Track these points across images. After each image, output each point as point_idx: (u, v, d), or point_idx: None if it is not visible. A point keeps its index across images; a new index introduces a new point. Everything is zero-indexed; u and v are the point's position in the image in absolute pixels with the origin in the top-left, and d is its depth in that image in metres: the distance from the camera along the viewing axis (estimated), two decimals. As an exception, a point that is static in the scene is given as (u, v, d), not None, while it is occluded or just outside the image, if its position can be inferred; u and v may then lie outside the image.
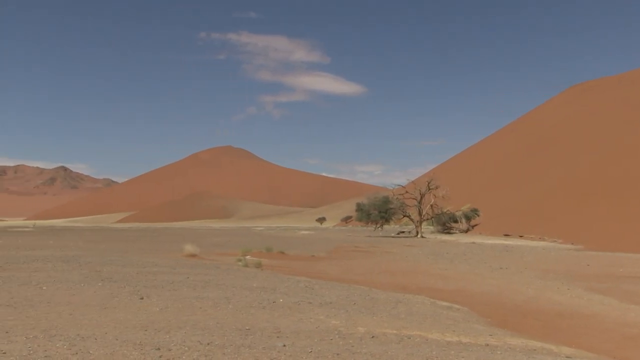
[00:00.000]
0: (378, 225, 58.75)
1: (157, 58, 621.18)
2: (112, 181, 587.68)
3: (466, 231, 57.78)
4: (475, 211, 60.14)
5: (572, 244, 39.55)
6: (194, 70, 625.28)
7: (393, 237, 53.06)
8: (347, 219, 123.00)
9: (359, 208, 60.52)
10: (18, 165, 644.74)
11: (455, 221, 59.64)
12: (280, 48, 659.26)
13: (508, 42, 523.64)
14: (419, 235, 52.63)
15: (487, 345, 8.71)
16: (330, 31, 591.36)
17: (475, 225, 59.64)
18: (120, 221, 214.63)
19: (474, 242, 41.09)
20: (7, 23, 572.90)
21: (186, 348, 7.38)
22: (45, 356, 6.77)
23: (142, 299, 11.31)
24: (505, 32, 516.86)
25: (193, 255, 22.92)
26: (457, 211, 59.75)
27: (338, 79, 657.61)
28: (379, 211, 57.57)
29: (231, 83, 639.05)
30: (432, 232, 58.77)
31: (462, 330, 9.84)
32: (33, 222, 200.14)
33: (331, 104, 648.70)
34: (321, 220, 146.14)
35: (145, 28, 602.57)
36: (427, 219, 57.74)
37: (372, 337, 8.59)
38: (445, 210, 58.16)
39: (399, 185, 61.24)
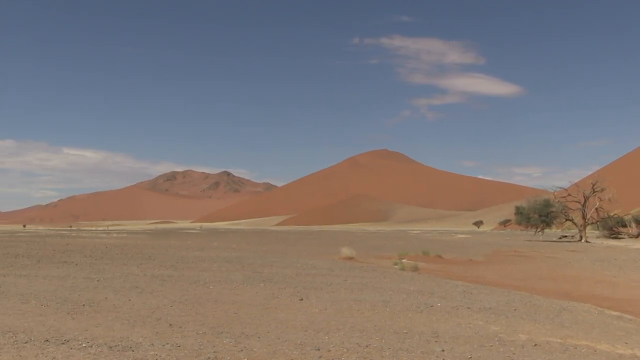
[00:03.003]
0: (538, 230, 56.57)
1: (313, 64, 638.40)
2: (272, 185, 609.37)
3: (637, 236, 54.14)
4: (647, 215, 56.26)
5: None
6: (348, 75, 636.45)
7: (554, 241, 50.82)
8: (505, 223, 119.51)
9: (518, 211, 58.54)
10: (186, 171, 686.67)
11: (624, 225, 56.11)
12: (433, 50, 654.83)
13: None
14: (582, 240, 49.98)
15: (665, 359, 8.08)
16: (484, 31, 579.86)
17: (647, 230, 55.75)
18: (279, 224, 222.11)
19: (645, 248, 38.35)
20: (188, 39, 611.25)
21: (345, 349, 7.48)
22: (214, 351, 7.15)
23: (301, 300, 11.62)
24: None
25: (350, 258, 23.24)
26: (625, 215, 56.29)
27: (493, 79, 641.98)
28: (540, 215, 55.36)
29: (385, 87, 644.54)
30: (598, 237, 55.67)
31: (635, 342, 9.20)
32: (200, 224, 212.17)
33: (487, 106, 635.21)
34: (478, 223, 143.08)
35: (300, 35, 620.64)
36: (592, 223, 54.77)
37: (535, 345, 8.25)
38: (612, 214, 54.89)
39: (560, 187, 58.54)
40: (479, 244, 42.57)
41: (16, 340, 7.40)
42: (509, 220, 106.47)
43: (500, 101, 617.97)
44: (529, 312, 11.21)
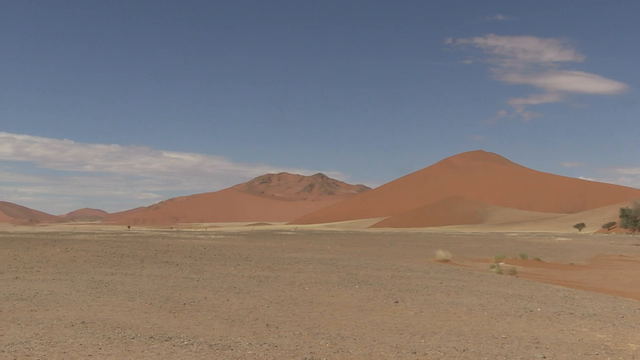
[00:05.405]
0: (646, 233, 54.06)
1: (406, 65, 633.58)
2: (365, 187, 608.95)
3: None
4: None
5: None
6: (441, 76, 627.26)
7: (664, 246, 48.35)
8: (609, 226, 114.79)
9: (624, 214, 56.14)
10: (281, 173, 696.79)
11: None
12: (529, 49, 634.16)
13: None
14: (696, 245, 47.32)
15: None
16: (583, 28, 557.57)
17: None
18: (373, 226, 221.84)
19: None
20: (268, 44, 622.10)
21: (441, 353, 7.39)
22: (310, 352, 7.23)
23: (397, 302, 11.57)
24: None
25: (445, 261, 22.95)
26: None
27: (594, 77, 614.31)
28: (648, 217, 52.87)
29: (479, 87, 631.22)
30: None
31: None
32: (295, 226, 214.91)
33: (587, 104, 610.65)
34: (580, 226, 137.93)
35: (393, 37, 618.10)
36: None
37: (645, 355, 7.85)
38: None
39: (670, 188, 55.68)
40: (580, 248, 41.09)
41: (124, 336, 7.77)
42: (613, 223, 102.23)
43: (602, 99, 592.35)
44: (638, 320, 10.68)
